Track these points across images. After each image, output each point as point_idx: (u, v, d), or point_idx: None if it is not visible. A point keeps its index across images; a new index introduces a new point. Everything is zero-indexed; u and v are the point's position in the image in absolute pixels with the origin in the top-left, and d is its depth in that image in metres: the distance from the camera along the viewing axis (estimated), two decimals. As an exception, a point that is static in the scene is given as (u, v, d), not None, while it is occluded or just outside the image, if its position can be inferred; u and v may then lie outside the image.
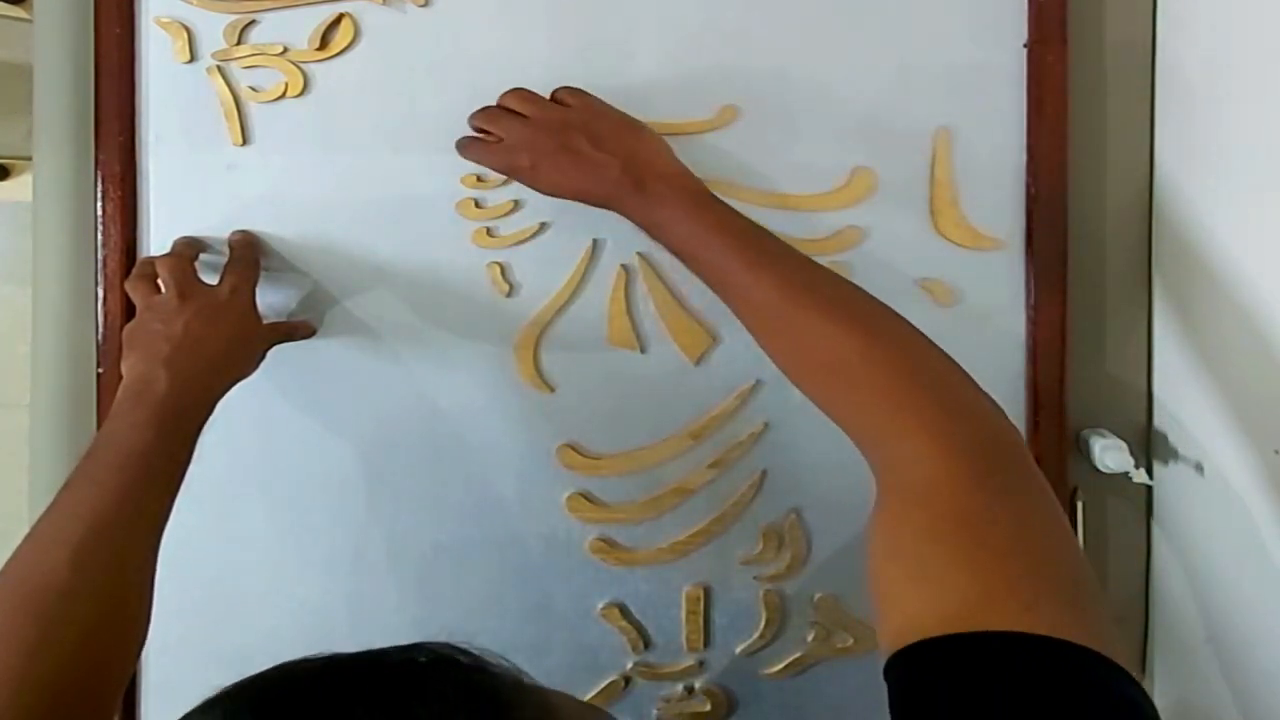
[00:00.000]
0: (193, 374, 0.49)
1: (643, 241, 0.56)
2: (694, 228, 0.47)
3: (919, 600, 0.33)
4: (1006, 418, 0.39)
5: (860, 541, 0.57)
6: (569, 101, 0.53)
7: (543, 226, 0.57)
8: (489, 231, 0.57)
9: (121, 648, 0.42)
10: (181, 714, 0.28)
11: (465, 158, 0.54)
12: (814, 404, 0.43)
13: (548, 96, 0.54)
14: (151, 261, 0.53)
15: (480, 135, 0.54)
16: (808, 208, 0.56)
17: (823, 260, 0.56)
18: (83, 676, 0.39)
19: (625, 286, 0.57)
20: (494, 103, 0.54)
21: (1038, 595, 0.31)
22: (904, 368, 0.40)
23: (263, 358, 0.54)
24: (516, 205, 0.57)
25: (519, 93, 0.53)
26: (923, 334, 0.42)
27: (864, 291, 0.44)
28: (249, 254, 0.56)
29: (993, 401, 0.40)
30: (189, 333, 0.49)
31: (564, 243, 0.57)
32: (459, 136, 0.54)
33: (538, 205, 0.57)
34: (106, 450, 0.45)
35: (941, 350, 0.41)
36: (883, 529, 0.37)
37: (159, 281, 0.52)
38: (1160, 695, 0.58)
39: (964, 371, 0.40)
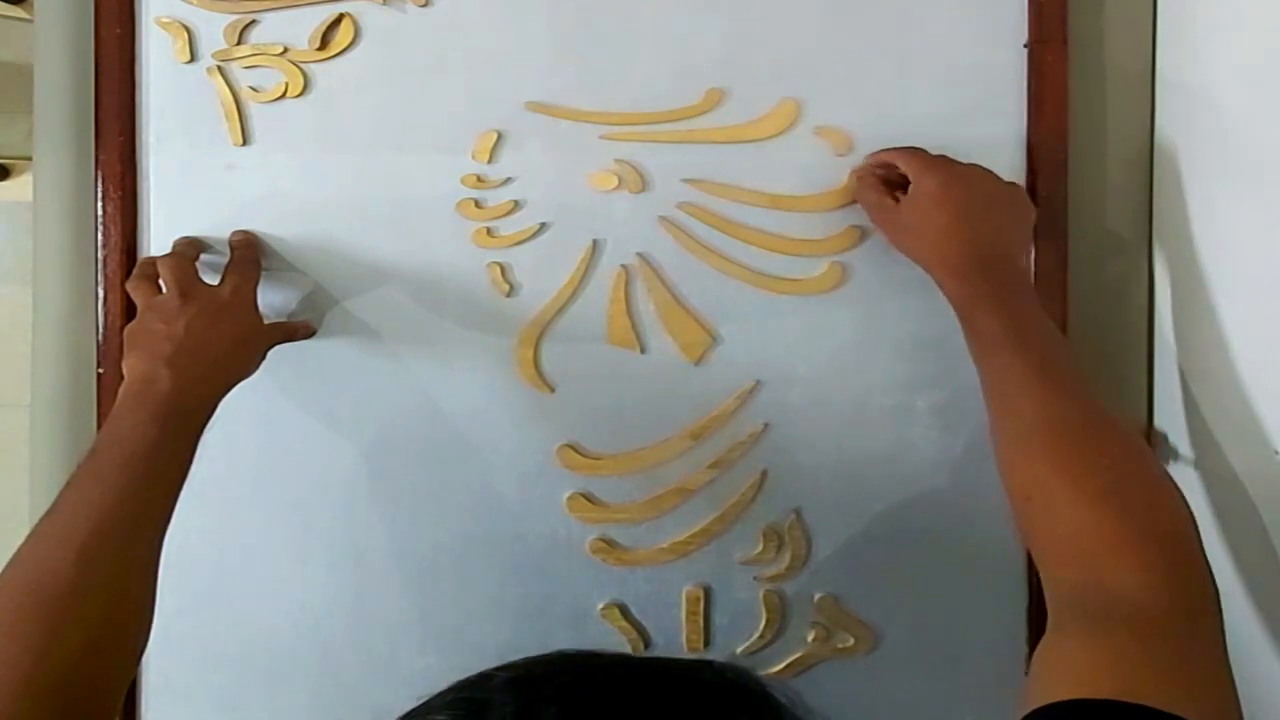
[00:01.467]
0: (195, 374, 0.49)
1: (642, 241, 0.57)
2: (1003, 320, 0.47)
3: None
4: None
5: (861, 542, 0.57)
6: (982, 171, 0.52)
7: (543, 226, 0.57)
8: (489, 231, 0.57)
9: (126, 646, 0.42)
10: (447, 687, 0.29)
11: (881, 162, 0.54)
12: (1023, 510, 0.43)
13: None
14: (153, 261, 0.53)
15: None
16: (807, 208, 0.56)
17: (822, 260, 0.56)
18: (89, 675, 0.39)
19: (625, 286, 0.57)
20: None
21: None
22: (1151, 504, 0.41)
23: (264, 358, 0.54)
24: (516, 205, 0.57)
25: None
26: (1168, 478, 0.42)
27: (1128, 427, 0.45)
28: (250, 254, 0.56)
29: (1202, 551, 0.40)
30: (190, 332, 0.49)
31: (564, 242, 0.57)
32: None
33: (538, 205, 0.57)
34: (109, 450, 0.45)
35: (1179, 494, 0.41)
36: (1082, 644, 0.37)
37: (160, 282, 0.52)
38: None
39: (1190, 516, 0.41)
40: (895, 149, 0.54)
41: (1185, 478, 0.55)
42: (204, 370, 0.49)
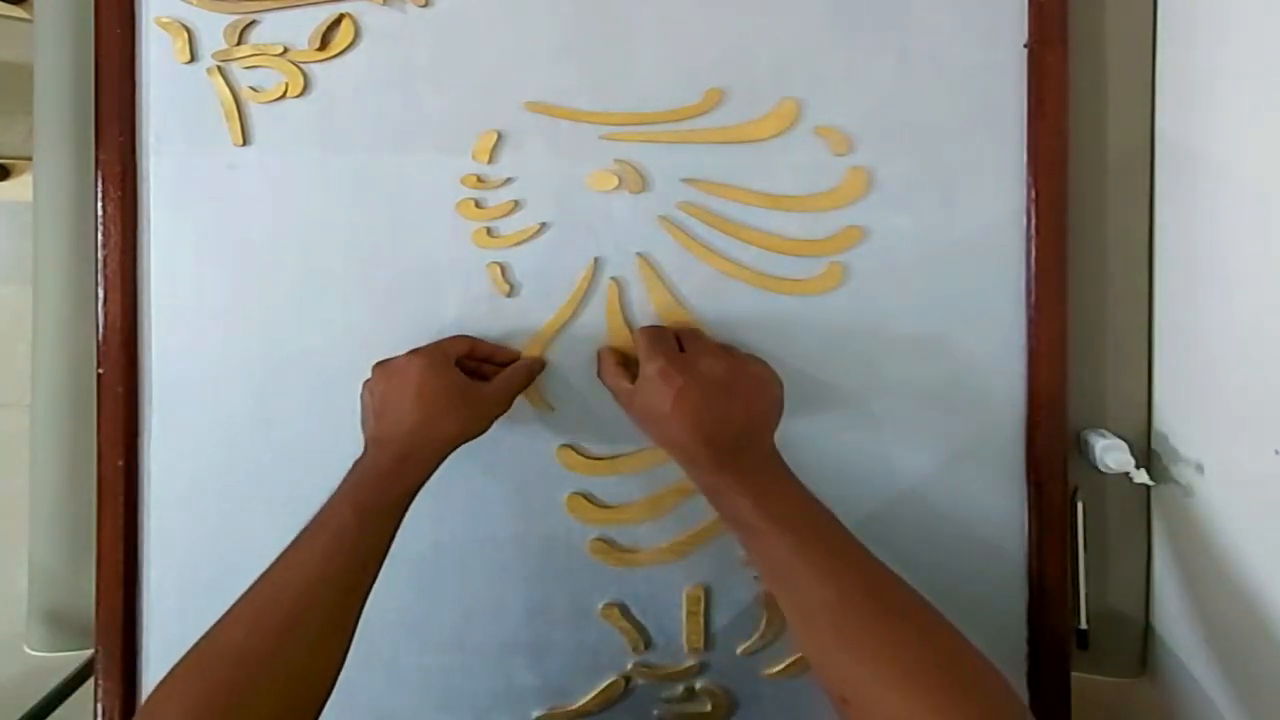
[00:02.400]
0: (418, 461, 0.50)
1: (642, 241, 0.57)
2: (759, 501, 0.45)
3: None
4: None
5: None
6: (719, 353, 0.51)
7: (543, 226, 0.57)
8: (489, 231, 0.57)
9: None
10: None
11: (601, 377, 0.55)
12: (831, 693, 0.41)
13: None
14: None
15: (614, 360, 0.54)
16: (806, 209, 0.56)
17: (823, 260, 0.56)
18: None
19: (619, 298, 0.57)
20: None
21: None
22: (957, 677, 0.39)
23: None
24: (516, 205, 0.57)
25: (692, 331, 0.54)
26: (963, 640, 0.41)
27: (917, 595, 0.43)
28: (532, 371, 0.56)
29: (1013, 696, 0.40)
30: (429, 419, 0.50)
31: (564, 242, 0.57)
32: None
33: (538, 205, 0.57)
34: (316, 524, 0.47)
35: (982, 659, 0.40)
36: None
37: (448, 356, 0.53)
38: (1160, 696, 0.58)
39: (997, 674, 0.40)
40: (640, 328, 0.53)
41: (1186, 478, 0.55)
42: (427, 458, 0.50)
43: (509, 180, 0.57)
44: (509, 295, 0.57)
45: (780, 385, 0.51)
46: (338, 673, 0.44)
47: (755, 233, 0.56)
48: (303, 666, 0.42)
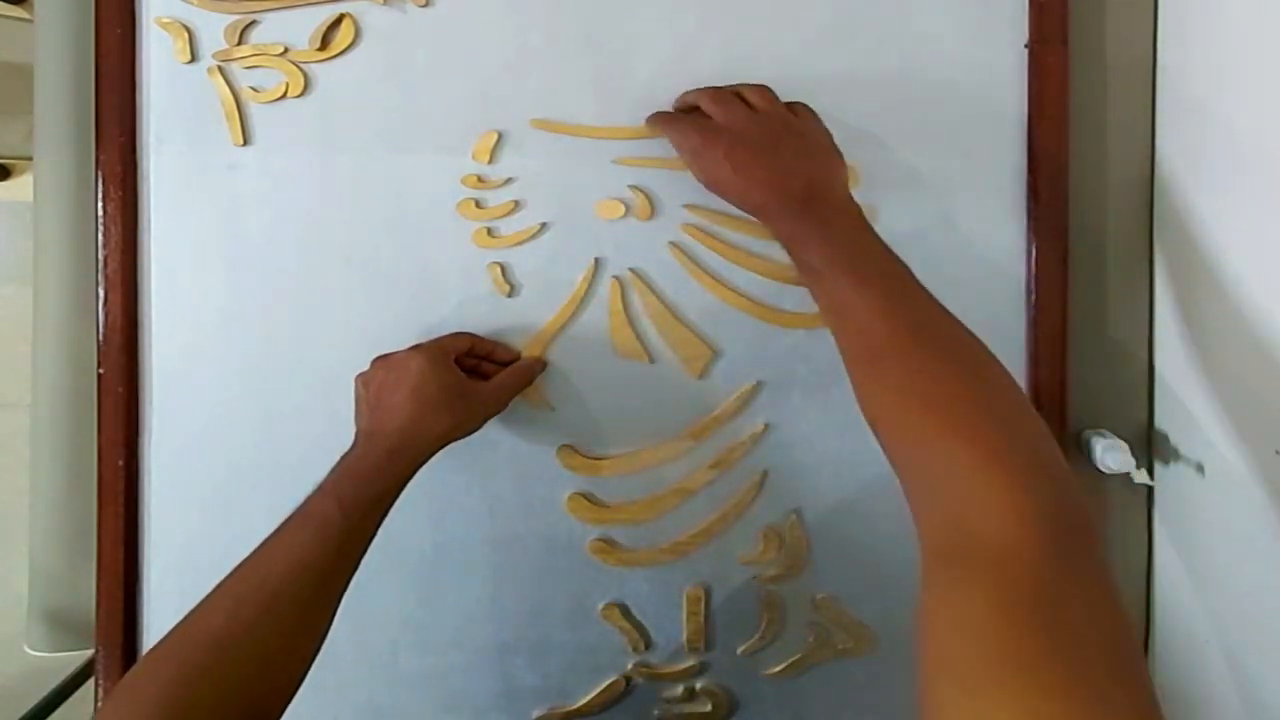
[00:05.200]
0: (407, 456, 0.50)
1: (640, 251, 0.57)
2: (827, 248, 0.46)
3: (992, 684, 0.30)
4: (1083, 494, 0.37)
5: (861, 543, 0.57)
6: (792, 108, 0.52)
7: (543, 227, 0.57)
8: (489, 231, 0.57)
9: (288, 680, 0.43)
10: None
11: (654, 130, 0.54)
12: (884, 446, 0.40)
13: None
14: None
15: (678, 113, 0.54)
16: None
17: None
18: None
19: (622, 297, 0.57)
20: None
21: (1111, 684, 0.29)
22: (1004, 420, 0.37)
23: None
24: (517, 205, 0.57)
25: (758, 88, 0.52)
26: (1025, 396, 0.40)
27: (981, 344, 0.42)
28: (531, 372, 0.56)
29: (1072, 475, 0.38)
30: (422, 416, 0.50)
31: (565, 242, 0.57)
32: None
33: (538, 206, 0.57)
34: (300, 516, 0.47)
35: (1037, 415, 0.39)
36: (946, 598, 0.33)
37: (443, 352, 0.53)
38: (1162, 695, 0.57)
39: (1054, 440, 0.38)
40: (697, 90, 0.53)
41: (1187, 478, 0.55)
42: (418, 453, 0.50)
43: (509, 180, 0.57)
44: (509, 295, 0.57)
45: (828, 135, 0.52)
46: (312, 660, 0.44)
47: (756, 260, 0.56)
48: (279, 652, 0.43)
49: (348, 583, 0.46)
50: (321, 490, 0.48)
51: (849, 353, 0.44)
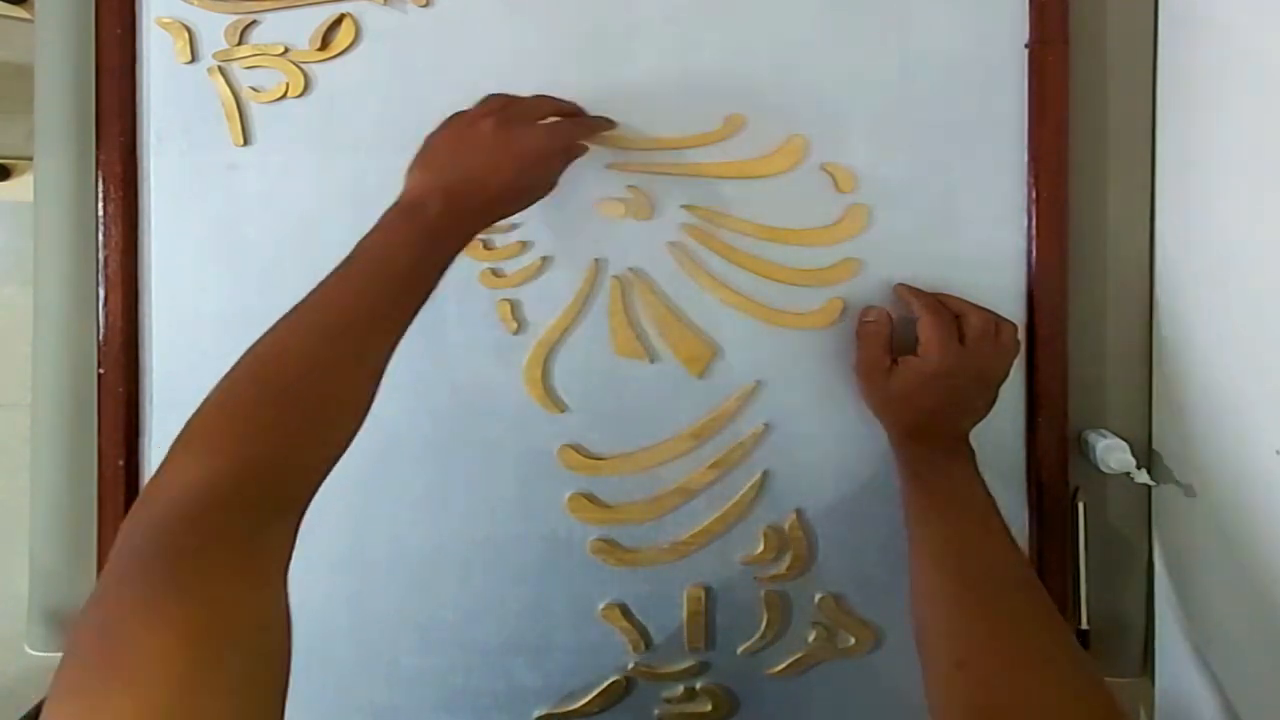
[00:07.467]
0: (468, 208, 0.48)
1: (635, 257, 0.57)
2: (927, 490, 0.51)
3: None
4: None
5: (862, 542, 0.57)
6: (1000, 331, 0.53)
7: (545, 261, 0.57)
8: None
9: (334, 440, 0.41)
10: None
11: (906, 306, 0.55)
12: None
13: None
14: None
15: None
16: (811, 243, 0.56)
17: (824, 291, 0.56)
18: (298, 461, 0.38)
19: (622, 297, 0.57)
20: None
21: None
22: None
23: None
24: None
25: (980, 313, 0.53)
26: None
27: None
28: (589, 128, 0.55)
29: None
30: (476, 167, 0.48)
31: (567, 241, 0.57)
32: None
33: (537, 206, 0.57)
34: (364, 260, 0.45)
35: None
36: None
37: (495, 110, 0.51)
38: (1161, 696, 0.58)
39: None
40: (922, 299, 0.53)
41: (1187, 478, 0.55)
42: (479, 205, 0.48)
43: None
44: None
45: (1007, 374, 0.53)
46: (369, 407, 0.43)
47: (759, 261, 0.56)
48: (347, 387, 0.42)
49: (399, 339, 0.45)
50: (392, 246, 0.46)
51: (944, 589, 0.47)
